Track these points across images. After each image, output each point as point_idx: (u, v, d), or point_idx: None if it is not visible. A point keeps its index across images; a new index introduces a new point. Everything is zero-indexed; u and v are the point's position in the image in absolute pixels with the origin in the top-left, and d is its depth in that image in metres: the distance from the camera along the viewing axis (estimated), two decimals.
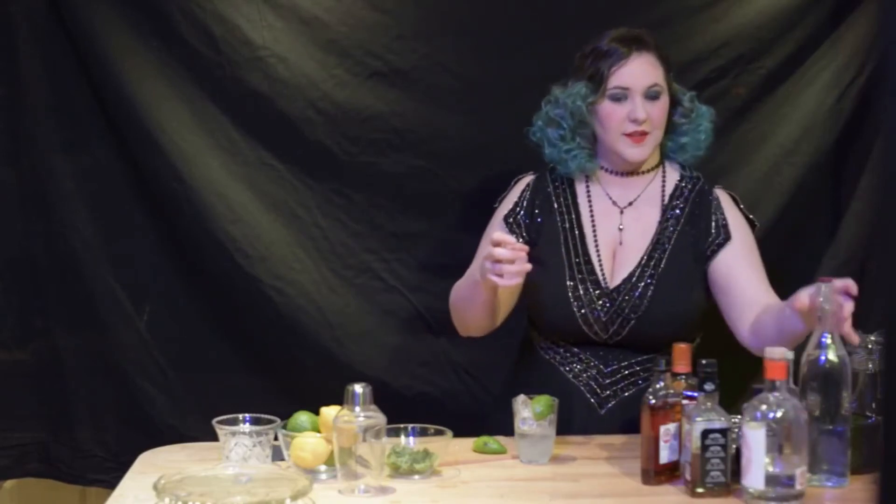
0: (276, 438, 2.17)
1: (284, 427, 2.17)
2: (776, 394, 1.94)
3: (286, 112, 2.74)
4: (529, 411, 2.19)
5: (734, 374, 2.26)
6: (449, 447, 2.16)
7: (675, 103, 2.48)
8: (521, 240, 2.43)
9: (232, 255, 2.72)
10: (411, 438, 2.19)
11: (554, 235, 2.47)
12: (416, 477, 2.10)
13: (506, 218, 2.50)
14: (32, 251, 2.74)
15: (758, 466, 1.93)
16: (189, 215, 2.71)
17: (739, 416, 2.01)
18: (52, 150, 2.71)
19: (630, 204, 2.48)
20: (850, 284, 2.02)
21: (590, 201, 2.49)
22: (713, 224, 2.44)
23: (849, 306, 2.02)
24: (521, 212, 2.50)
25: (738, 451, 1.99)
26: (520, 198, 2.51)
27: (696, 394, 2.04)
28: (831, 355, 2.02)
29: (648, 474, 2.07)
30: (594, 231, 2.46)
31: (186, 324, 2.78)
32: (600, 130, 2.45)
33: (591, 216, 2.48)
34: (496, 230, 2.46)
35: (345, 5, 2.75)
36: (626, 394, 2.41)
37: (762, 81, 2.81)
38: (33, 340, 2.77)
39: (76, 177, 2.73)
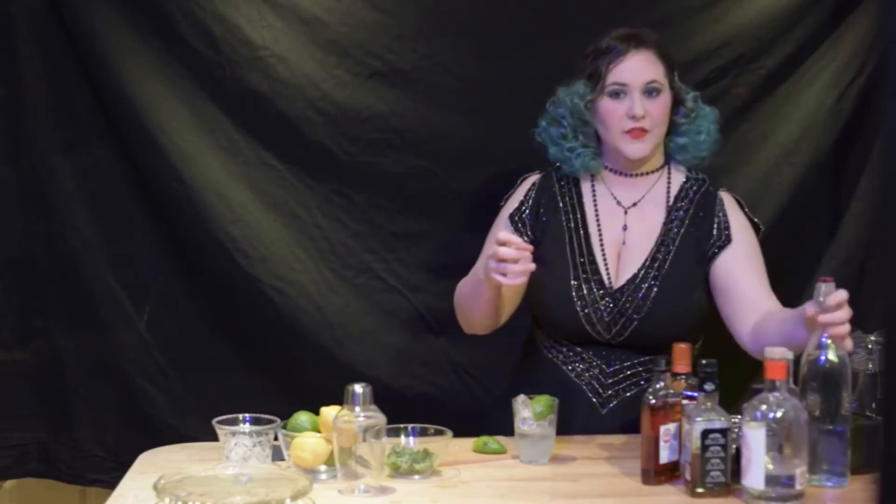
0: (276, 438, 2.17)
1: (284, 427, 2.17)
2: (776, 394, 1.94)
3: (286, 112, 2.74)
4: (529, 411, 2.19)
5: (734, 374, 2.26)
6: (449, 447, 2.16)
7: (679, 103, 2.48)
8: (525, 238, 2.44)
9: (232, 255, 2.72)
10: (411, 438, 2.19)
11: (559, 234, 2.47)
12: (416, 477, 2.10)
13: (511, 216, 2.50)
14: (32, 251, 2.74)
15: (758, 466, 1.93)
16: (189, 215, 2.71)
17: (739, 416, 2.01)
18: (52, 150, 2.71)
19: (634, 204, 2.48)
20: (841, 299, 2.02)
21: (595, 201, 2.49)
22: (715, 226, 2.43)
23: (842, 317, 2.02)
24: (527, 210, 2.50)
25: (738, 451, 1.99)
26: (525, 196, 2.52)
27: (696, 394, 2.04)
28: (831, 355, 2.02)
29: (648, 474, 2.07)
30: (599, 231, 2.47)
31: (186, 324, 2.78)
32: (601, 128, 2.46)
33: (597, 216, 2.48)
34: (502, 228, 2.47)
35: (345, 5, 2.75)
36: (628, 394, 2.41)
37: (762, 81, 2.81)
38: (33, 340, 2.77)
39: (76, 177, 2.73)
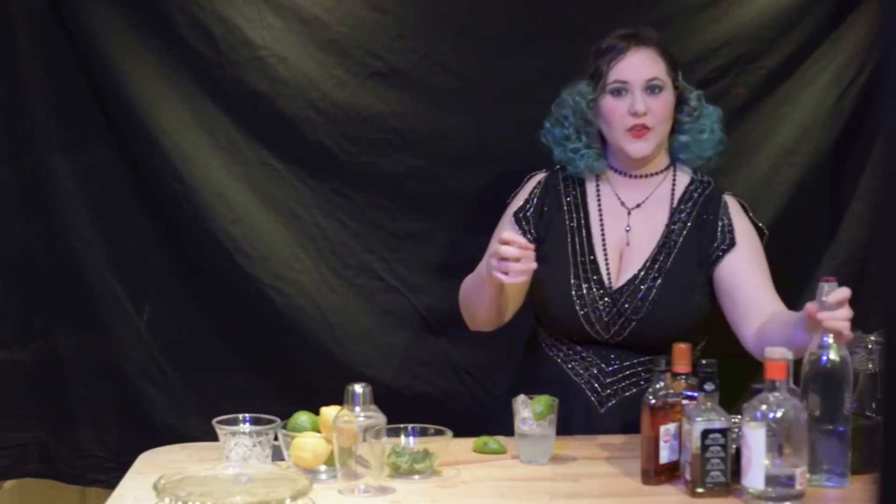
0: (276, 438, 2.17)
1: (284, 427, 2.17)
2: (776, 394, 1.94)
3: (286, 112, 2.73)
4: (529, 411, 2.19)
5: (734, 374, 2.26)
6: (449, 447, 2.16)
7: (683, 102, 2.48)
8: (529, 237, 2.45)
9: (232, 255, 2.72)
10: (411, 438, 2.19)
11: (561, 233, 2.47)
12: (416, 477, 2.10)
13: (515, 214, 2.51)
14: (32, 251, 2.74)
15: (758, 466, 1.93)
16: (189, 215, 2.71)
17: (739, 416, 2.01)
18: (52, 150, 2.71)
19: (638, 205, 2.48)
20: (842, 297, 2.02)
21: (599, 201, 2.50)
22: (719, 229, 2.43)
23: (844, 315, 2.02)
24: (531, 209, 2.50)
25: (738, 451, 1.99)
26: (530, 195, 2.52)
27: (696, 394, 2.04)
28: (833, 355, 2.02)
29: (648, 474, 2.07)
30: (602, 231, 2.47)
31: (186, 324, 2.78)
32: (604, 127, 2.46)
33: (600, 216, 2.48)
34: (506, 226, 2.49)
35: (345, 5, 2.75)
36: (627, 393, 2.41)
37: (762, 81, 2.81)
38: (33, 340, 2.77)
39: (76, 177, 2.73)
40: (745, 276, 2.39)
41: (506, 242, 2.21)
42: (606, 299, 2.41)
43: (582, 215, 2.49)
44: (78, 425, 2.77)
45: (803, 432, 1.95)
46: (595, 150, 2.49)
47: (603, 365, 2.42)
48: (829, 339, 2.02)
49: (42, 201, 2.73)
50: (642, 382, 2.39)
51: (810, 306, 2.02)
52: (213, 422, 2.17)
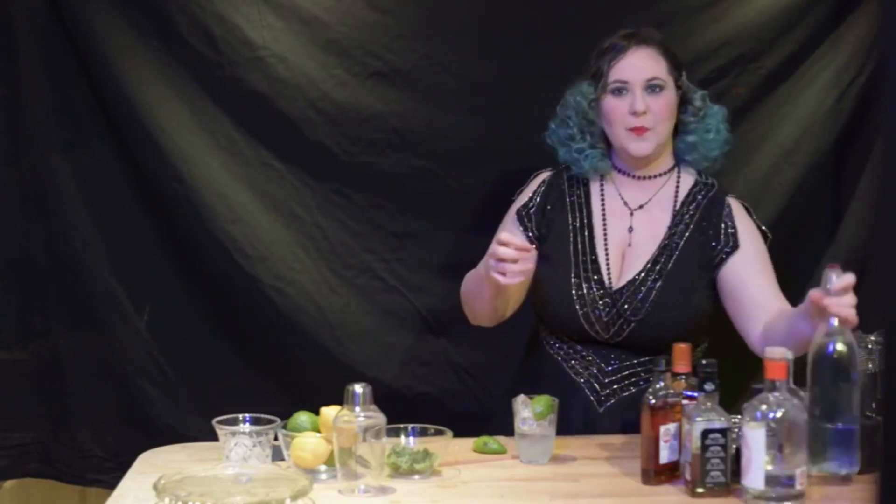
0: (276, 438, 2.17)
1: (284, 427, 2.17)
2: (776, 394, 1.94)
3: (286, 112, 2.73)
4: (529, 411, 2.19)
5: (734, 374, 2.26)
6: (449, 447, 2.16)
7: (687, 102, 2.48)
8: (530, 234, 2.46)
9: (232, 255, 2.72)
10: (411, 438, 2.19)
11: (563, 232, 2.48)
12: (416, 477, 2.10)
13: (518, 211, 2.52)
14: (32, 251, 2.74)
15: (758, 466, 1.93)
16: (189, 215, 2.71)
17: (739, 416, 2.00)
18: (52, 150, 2.71)
19: (641, 206, 2.48)
20: (847, 283, 2.01)
21: (602, 201, 2.50)
22: (722, 232, 2.43)
23: (849, 301, 2.00)
24: (534, 207, 2.51)
25: (738, 451, 1.99)
26: (534, 193, 2.53)
27: (696, 394, 2.04)
28: (840, 343, 2.00)
29: (648, 474, 2.07)
30: (604, 231, 2.47)
31: (186, 324, 2.78)
32: (606, 127, 2.47)
33: (603, 216, 2.48)
34: (509, 223, 2.49)
35: (345, 5, 2.75)
36: (626, 393, 2.41)
37: (762, 81, 2.81)
38: (33, 340, 2.77)
39: (76, 177, 2.73)
40: (749, 277, 2.39)
41: (503, 243, 2.21)
42: (606, 299, 2.41)
43: (585, 215, 2.49)
44: (78, 425, 2.77)
45: (803, 432, 1.95)
46: (599, 151, 2.49)
47: (602, 364, 2.43)
48: (836, 326, 2.00)
49: (42, 201, 2.73)
50: (642, 383, 2.39)
51: (814, 293, 2.00)
52: (213, 422, 2.17)
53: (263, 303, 2.73)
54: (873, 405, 2.16)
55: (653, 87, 2.43)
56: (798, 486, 1.94)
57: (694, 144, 2.49)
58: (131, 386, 2.76)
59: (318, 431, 2.14)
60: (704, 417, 1.99)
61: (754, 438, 1.93)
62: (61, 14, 2.67)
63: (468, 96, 2.78)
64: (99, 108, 2.71)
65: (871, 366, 2.16)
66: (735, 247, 2.42)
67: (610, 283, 2.42)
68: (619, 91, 2.43)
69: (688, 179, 2.51)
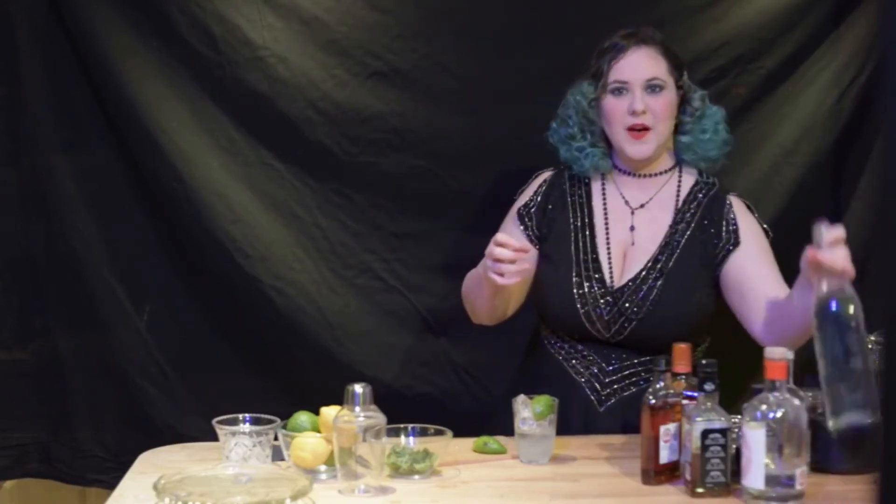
0: (276, 438, 2.17)
1: (284, 427, 2.17)
2: (776, 394, 1.94)
3: (286, 112, 2.74)
4: (529, 411, 2.19)
5: (734, 374, 2.26)
6: (449, 447, 2.16)
7: (686, 102, 2.48)
8: (531, 233, 2.47)
9: (232, 255, 2.72)
10: (411, 438, 2.19)
11: (564, 232, 2.48)
12: (416, 477, 2.10)
13: (519, 210, 2.53)
14: (32, 251, 2.74)
15: (758, 466, 1.93)
16: (189, 215, 2.71)
17: (739, 416, 2.00)
18: (52, 150, 2.71)
19: (643, 205, 2.49)
20: (837, 236, 1.98)
21: (604, 200, 2.50)
22: (723, 230, 2.43)
23: (841, 254, 1.97)
24: (534, 206, 2.51)
25: (738, 451, 1.99)
26: (535, 192, 2.53)
27: (696, 394, 2.04)
28: (841, 297, 1.95)
29: (648, 474, 2.07)
30: (606, 230, 2.47)
31: (186, 324, 2.78)
32: (606, 127, 2.47)
33: (605, 215, 2.48)
34: (510, 223, 2.50)
35: (345, 5, 2.75)
36: (626, 393, 2.41)
37: (762, 81, 2.81)
38: (33, 340, 2.77)
39: (76, 177, 2.73)
40: (753, 270, 2.39)
41: (500, 244, 2.21)
42: (608, 298, 2.41)
43: (586, 214, 2.49)
44: (78, 425, 2.77)
45: (803, 432, 1.95)
46: (600, 150, 2.49)
47: (603, 364, 2.43)
48: (834, 284, 1.95)
49: (42, 201, 2.73)
50: (642, 382, 2.39)
51: (809, 250, 1.98)
52: (213, 422, 2.17)
53: (263, 303, 2.73)
54: None
55: (652, 87, 2.43)
56: (798, 486, 1.94)
57: (690, 144, 2.49)
58: (131, 386, 2.76)
59: (318, 431, 2.14)
60: (704, 417, 1.99)
61: (754, 438, 1.93)
62: (61, 14, 2.67)
63: (468, 96, 2.78)
64: (99, 108, 2.71)
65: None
66: (736, 243, 2.42)
67: (611, 281, 2.43)
68: (619, 91, 2.44)
69: (689, 178, 2.51)
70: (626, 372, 2.42)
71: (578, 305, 2.41)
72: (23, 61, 2.69)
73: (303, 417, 2.17)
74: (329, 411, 2.10)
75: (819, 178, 2.84)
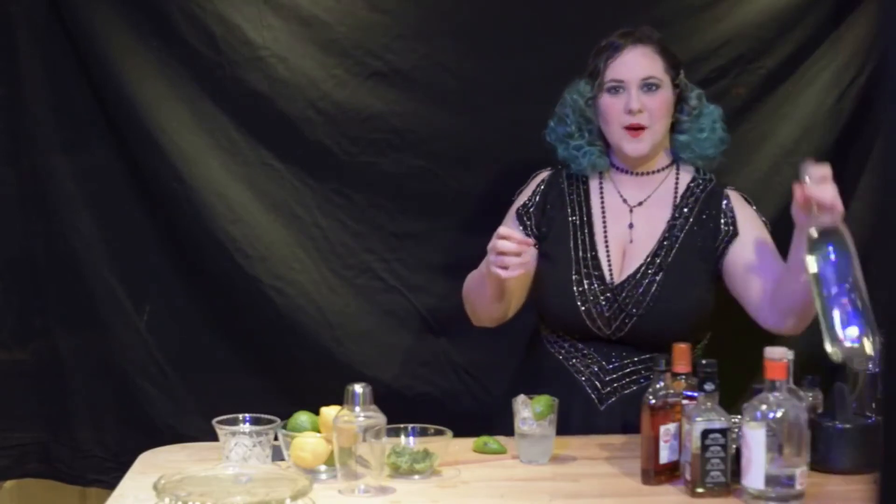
0: (276, 438, 2.17)
1: (284, 427, 2.17)
2: (776, 394, 1.94)
3: (286, 112, 2.74)
4: (529, 411, 2.19)
5: (734, 374, 2.26)
6: (449, 447, 2.16)
7: (683, 101, 2.49)
8: (530, 233, 2.47)
9: (232, 255, 2.72)
10: (411, 438, 2.19)
11: (563, 230, 2.48)
12: (416, 477, 2.10)
13: (518, 210, 2.53)
14: (32, 251, 2.74)
15: (758, 466, 1.93)
16: (189, 215, 2.71)
17: (739, 416, 2.01)
18: (52, 150, 2.71)
19: (641, 203, 2.49)
20: (824, 172, 2.04)
21: (602, 198, 2.50)
22: (722, 222, 2.44)
23: (830, 190, 2.02)
24: (533, 206, 2.52)
25: (738, 451, 1.99)
26: (534, 192, 2.54)
27: (696, 394, 2.04)
28: (835, 236, 1.96)
29: (648, 474, 2.07)
30: (605, 228, 2.47)
31: (186, 324, 2.78)
32: (603, 125, 2.48)
33: (603, 213, 2.49)
34: (509, 223, 2.51)
35: (345, 5, 2.75)
36: (627, 391, 2.41)
37: (762, 81, 2.81)
38: (33, 340, 2.77)
39: (76, 177, 2.73)
40: (753, 256, 2.39)
41: (503, 237, 2.22)
42: (608, 294, 2.41)
43: (584, 212, 2.49)
44: (78, 425, 2.78)
45: (803, 432, 1.95)
46: (598, 148, 2.50)
47: (604, 362, 2.43)
48: (825, 216, 2.00)
49: (42, 201, 2.73)
50: (642, 381, 2.39)
51: (797, 188, 2.05)
52: (213, 422, 2.17)
53: (263, 303, 2.73)
54: (873, 405, 2.16)
55: (649, 86, 2.43)
56: (798, 486, 1.94)
57: (687, 143, 2.50)
58: (131, 386, 2.76)
59: (318, 431, 2.14)
60: (704, 417, 1.99)
61: (754, 438, 1.93)
62: (61, 14, 2.67)
63: (468, 96, 2.78)
64: (99, 108, 2.71)
65: (871, 366, 2.15)
66: (735, 233, 2.43)
67: (611, 278, 2.43)
68: (615, 90, 2.44)
69: (686, 175, 2.52)
70: (627, 370, 2.42)
71: (579, 303, 2.42)
72: (23, 61, 2.69)
73: (303, 417, 2.17)
74: (329, 411, 2.10)
75: None
